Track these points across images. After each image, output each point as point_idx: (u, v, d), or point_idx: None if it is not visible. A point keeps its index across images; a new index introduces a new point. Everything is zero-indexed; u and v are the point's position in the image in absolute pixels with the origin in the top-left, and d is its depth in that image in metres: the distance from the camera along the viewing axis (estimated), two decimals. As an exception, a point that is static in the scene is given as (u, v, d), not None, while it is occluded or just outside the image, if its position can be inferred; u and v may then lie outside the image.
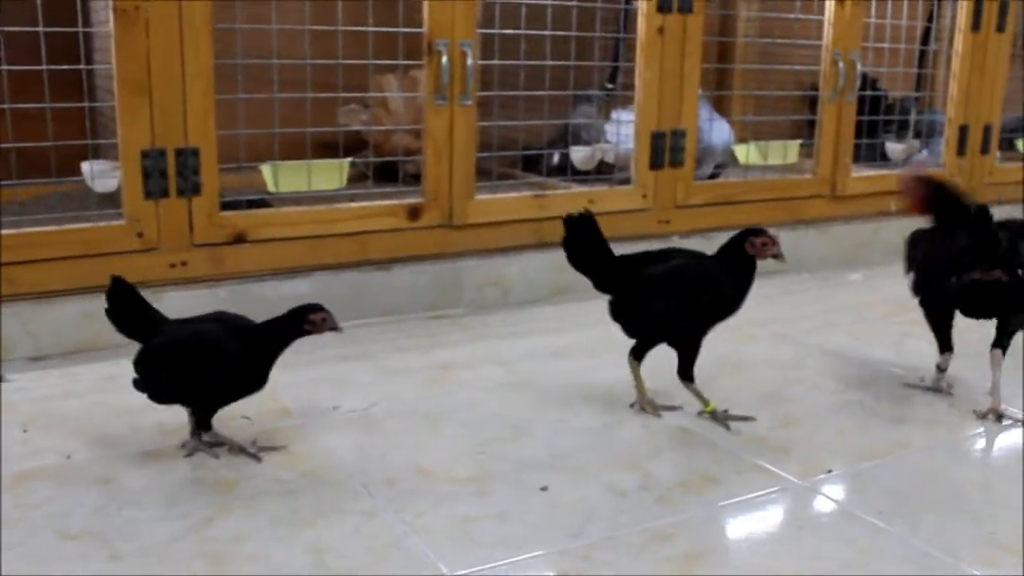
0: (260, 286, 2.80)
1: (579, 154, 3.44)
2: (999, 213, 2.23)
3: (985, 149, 4.17)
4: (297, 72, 2.85)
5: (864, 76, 4.11)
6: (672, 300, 2.14)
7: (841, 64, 3.63)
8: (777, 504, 1.86)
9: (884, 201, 3.93)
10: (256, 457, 2.00)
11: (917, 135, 4.31)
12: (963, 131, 4.09)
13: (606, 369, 2.54)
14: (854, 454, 2.08)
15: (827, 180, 3.74)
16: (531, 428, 2.16)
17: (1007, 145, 4.66)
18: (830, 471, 2.00)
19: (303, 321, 1.99)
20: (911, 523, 1.79)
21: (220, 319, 2.04)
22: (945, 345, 2.38)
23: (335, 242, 2.90)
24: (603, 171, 3.50)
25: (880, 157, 4.23)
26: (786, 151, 3.70)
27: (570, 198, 3.24)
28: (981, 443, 2.19)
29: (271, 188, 2.86)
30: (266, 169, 2.85)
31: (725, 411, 2.22)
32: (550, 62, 3.15)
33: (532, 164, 3.66)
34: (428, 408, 2.27)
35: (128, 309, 1.98)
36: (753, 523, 1.79)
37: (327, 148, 2.93)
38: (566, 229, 2.22)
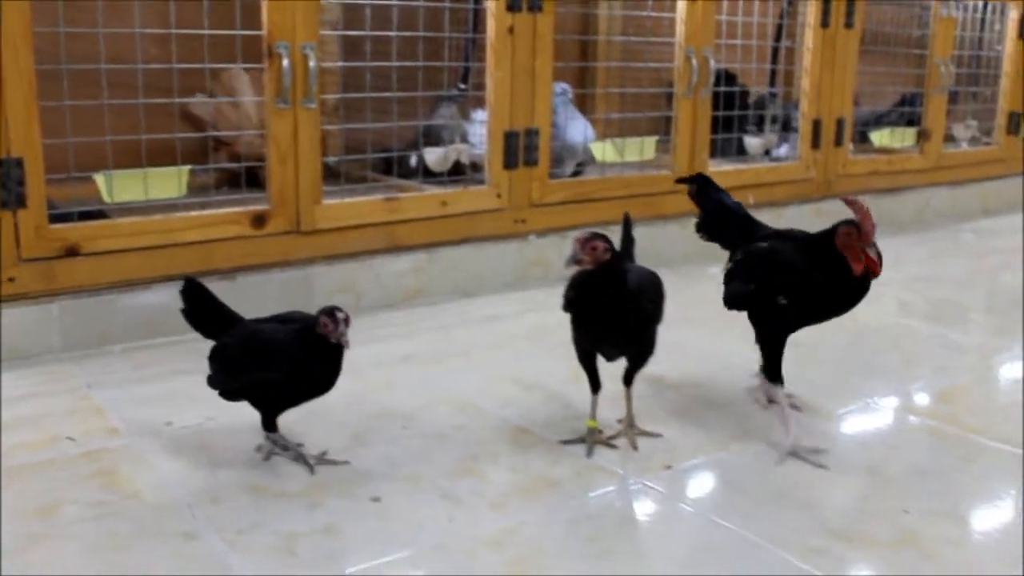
0: (96, 301, 2.68)
1: (432, 155, 3.39)
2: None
3: (838, 142, 4.25)
4: (129, 77, 2.74)
5: (725, 72, 4.16)
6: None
7: (694, 61, 3.65)
8: (614, 503, 1.84)
9: (743, 194, 3.96)
10: (310, 468, 1.94)
11: (783, 128, 4.37)
12: (816, 125, 4.16)
13: (452, 374, 2.51)
14: (693, 450, 2.07)
15: (685, 175, 3.75)
16: (370, 437, 2.10)
17: (862, 138, 4.77)
18: (669, 467, 1.98)
19: (316, 323, 1.87)
20: (744, 517, 1.78)
21: (289, 319, 1.97)
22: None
23: (176, 252, 2.79)
24: (460, 172, 3.45)
25: (739, 151, 4.29)
26: (643, 147, 3.71)
27: (422, 200, 3.19)
28: (816, 435, 2.20)
29: (106, 198, 2.74)
30: (100, 179, 2.73)
31: (600, 432, 2.11)
32: (397, 63, 3.09)
33: (392, 167, 3.59)
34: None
35: (202, 307, 2.01)
36: (587, 524, 1.76)
37: (169, 156, 2.82)
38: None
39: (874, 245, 1.93)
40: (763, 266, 2.10)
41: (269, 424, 1.98)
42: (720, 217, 2.37)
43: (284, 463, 1.98)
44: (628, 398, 2.12)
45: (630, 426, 2.12)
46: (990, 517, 1.82)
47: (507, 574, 1.58)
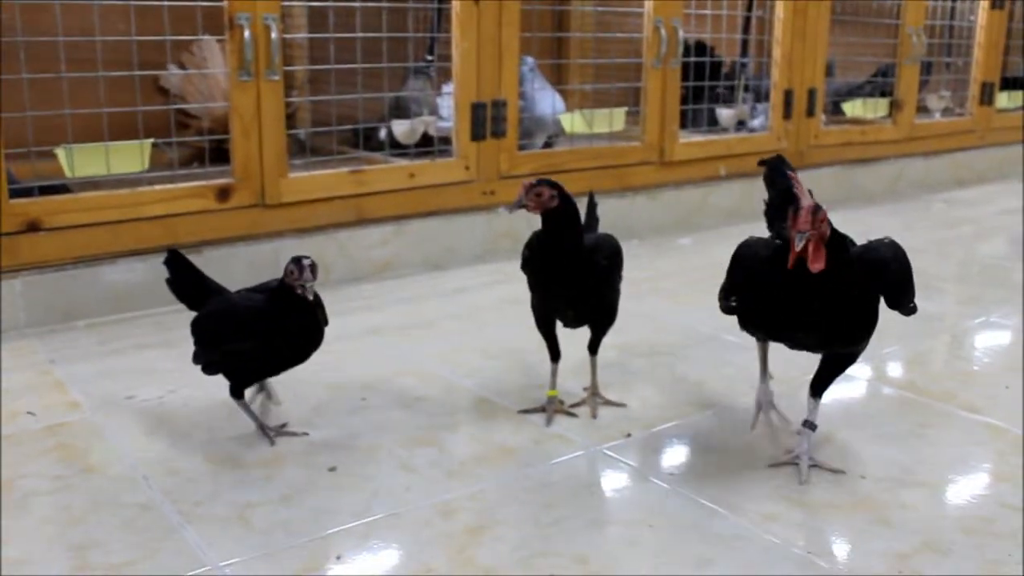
0: (60, 276, 2.66)
1: (400, 128, 3.37)
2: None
3: (810, 112, 4.24)
4: (88, 50, 2.71)
5: (696, 43, 4.15)
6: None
7: (663, 31, 3.64)
8: (571, 472, 1.84)
9: (714, 166, 3.98)
10: (270, 439, 1.94)
11: (757, 99, 4.36)
12: (788, 95, 4.16)
13: (416, 346, 2.50)
14: (655, 418, 2.07)
15: (655, 146, 3.76)
16: (330, 409, 2.10)
17: (835, 109, 4.76)
18: (629, 435, 1.99)
19: (285, 273, 1.85)
20: (701, 484, 1.78)
21: (267, 288, 1.95)
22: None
23: (140, 227, 2.77)
24: (429, 144, 3.44)
25: (711, 123, 4.28)
26: (612, 119, 3.69)
27: (390, 172, 3.17)
28: (783, 397, 2.20)
29: (67, 173, 2.72)
30: (61, 153, 2.71)
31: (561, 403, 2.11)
32: (361, 35, 3.07)
33: (359, 140, 3.57)
34: (227, 395, 2.18)
35: (185, 279, 2.01)
36: (544, 492, 1.76)
37: (133, 131, 2.80)
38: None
39: (805, 235, 1.58)
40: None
41: (237, 391, 1.96)
42: (784, 203, 2.12)
43: (243, 435, 1.97)
44: (593, 366, 2.12)
45: (594, 394, 2.12)
46: (950, 483, 1.83)
47: (459, 541, 1.58)
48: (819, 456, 1.87)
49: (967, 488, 1.80)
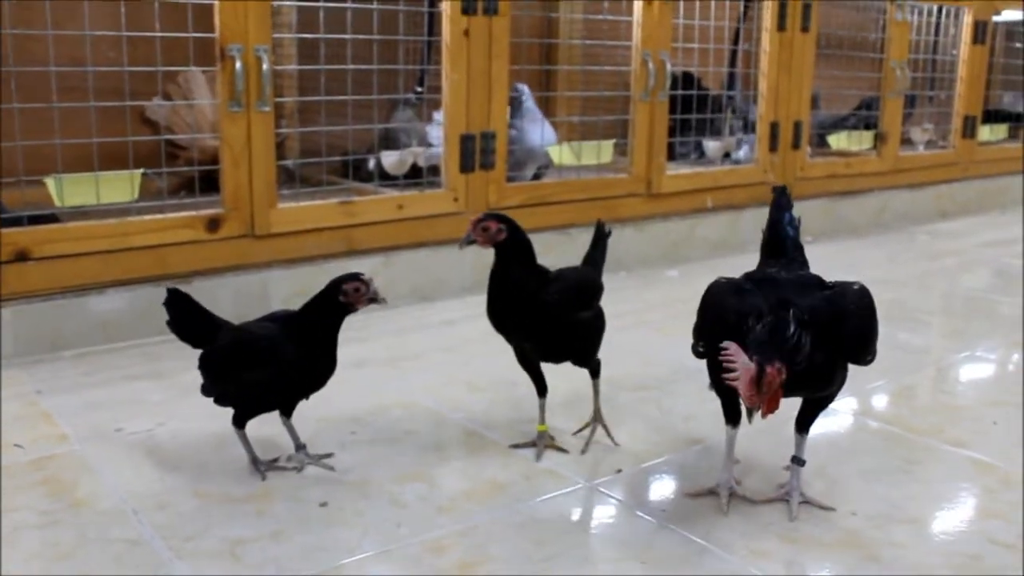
0: (48, 306, 2.65)
1: (389, 159, 3.38)
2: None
3: (796, 145, 4.28)
4: (80, 79, 2.72)
5: (683, 75, 4.19)
6: None
7: (651, 64, 3.67)
8: (562, 507, 1.84)
9: (701, 198, 4.00)
10: (261, 474, 1.93)
11: (745, 129, 4.40)
12: (774, 128, 4.19)
13: (404, 378, 2.51)
14: (645, 453, 2.08)
15: (642, 178, 3.78)
16: (319, 442, 2.10)
17: (820, 141, 4.81)
18: (619, 471, 1.99)
19: (337, 292, 1.86)
20: (692, 521, 1.79)
21: (272, 319, 1.96)
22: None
23: (130, 256, 2.77)
24: (418, 176, 3.45)
25: (699, 155, 4.31)
26: (600, 151, 3.72)
27: (379, 203, 3.18)
28: (769, 433, 2.21)
29: (57, 202, 2.72)
30: (51, 183, 2.70)
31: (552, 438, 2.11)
32: (352, 66, 3.09)
33: (348, 170, 3.58)
34: (217, 428, 2.17)
35: (187, 316, 1.97)
36: (534, 528, 1.76)
37: (122, 160, 2.80)
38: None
39: (756, 408, 1.58)
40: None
41: (241, 420, 1.95)
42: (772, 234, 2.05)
43: (233, 470, 1.97)
44: (593, 390, 2.11)
45: (595, 420, 2.12)
46: (938, 520, 1.84)
47: (452, 579, 1.58)
48: (809, 492, 1.88)
49: (955, 525, 1.81)
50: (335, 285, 1.87)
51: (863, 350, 1.75)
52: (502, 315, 1.96)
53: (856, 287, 1.76)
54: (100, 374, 2.55)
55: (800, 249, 1.99)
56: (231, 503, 1.83)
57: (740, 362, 1.55)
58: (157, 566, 1.60)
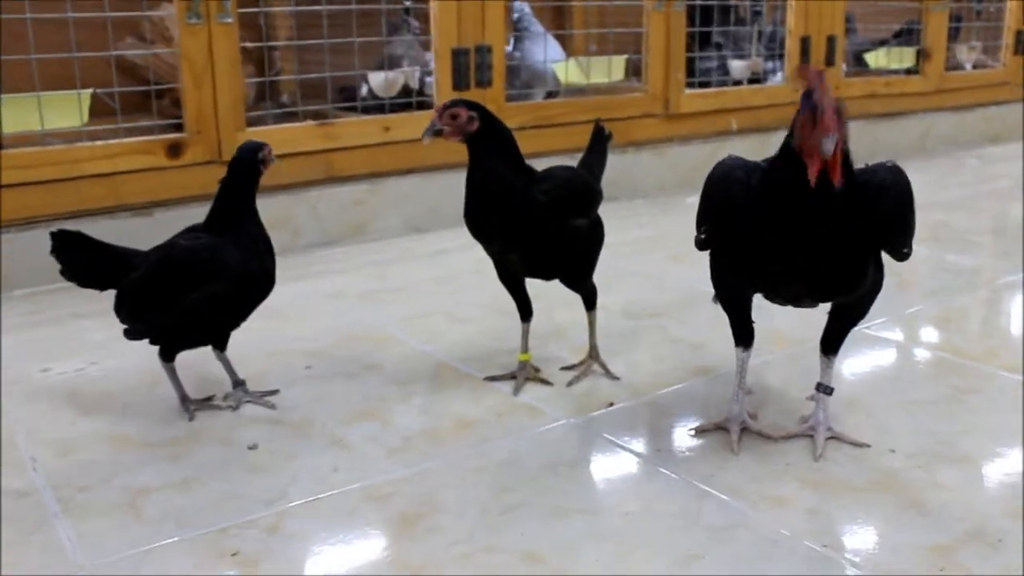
0: (-11, 240, 2.39)
1: (376, 80, 3.07)
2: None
3: (829, 61, 3.90)
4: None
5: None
6: None
7: (667, -30, 3.32)
8: (534, 448, 1.54)
9: (724, 119, 3.66)
10: (189, 414, 1.67)
11: (771, 53, 4.03)
12: (805, 43, 3.82)
13: (379, 309, 2.21)
14: (643, 385, 1.77)
15: (659, 97, 3.44)
16: (267, 379, 1.81)
17: (856, 61, 4.43)
18: (611, 405, 1.69)
19: (258, 162, 1.69)
20: (693, 462, 1.48)
21: (192, 230, 1.70)
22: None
23: (80, 186, 2.49)
24: (409, 96, 3.13)
25: (722, 75, 3.95)
26: (611, 67, 3.38)
27: (362, 126, 2.88)
28: (772, 368, 1.90)
29: (-3, 128, 2.44)
30: (-12, 105, 2.43)
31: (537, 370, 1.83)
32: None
33: (348, 99, 3.27)
34: (157, 365, 1.89)
35: (84, 259, 1.69)
36: (495, 472, 1.46)
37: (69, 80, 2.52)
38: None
39: (834, 138, 1.26)
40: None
41: (170, 353, 1.68)
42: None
43: (162, 410, 1.69)
44: (589, 324, 1.81)
45: (590, 358, 1.82)
46: (994, 458, 1.51)
47: (387, 533, 1.29)
48: (838, 427, 1.56)
49: (1014, 464, 1.48)
50: (251, 158, 1.67)
51: (902, 232, 1.43)
52: (481, 217, 1.64)
53: (889, 164, 1.43)
54: (44, 313, 2.29)
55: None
56: (147, 448, 1.55)
57: (827, 92, 1.27)
58: (39, 522, 1.33)
